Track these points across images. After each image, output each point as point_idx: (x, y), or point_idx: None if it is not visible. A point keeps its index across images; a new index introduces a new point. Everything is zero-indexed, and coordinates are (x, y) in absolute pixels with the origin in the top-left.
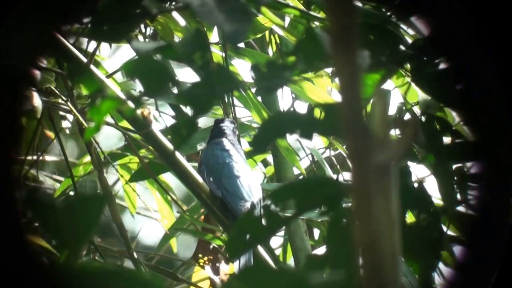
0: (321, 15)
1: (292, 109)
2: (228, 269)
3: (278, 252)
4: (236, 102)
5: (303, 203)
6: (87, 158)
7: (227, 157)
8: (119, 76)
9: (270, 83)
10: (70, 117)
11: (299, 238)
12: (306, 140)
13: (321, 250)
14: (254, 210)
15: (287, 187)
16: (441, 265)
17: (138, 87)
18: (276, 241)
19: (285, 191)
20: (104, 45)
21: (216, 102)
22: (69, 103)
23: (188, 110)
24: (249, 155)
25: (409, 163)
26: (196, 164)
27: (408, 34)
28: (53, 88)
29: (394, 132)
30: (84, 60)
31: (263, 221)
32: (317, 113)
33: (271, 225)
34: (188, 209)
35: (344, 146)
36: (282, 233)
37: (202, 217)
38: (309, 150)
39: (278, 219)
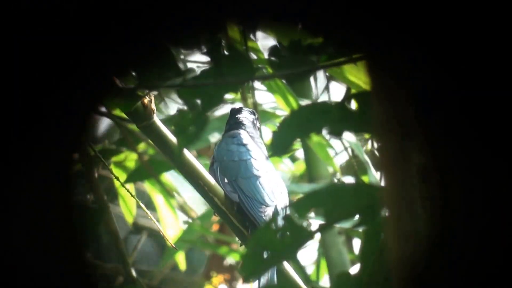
0: None
1: (324, 95)
2: None
3: (311, 269)
4: (257, 84)
5: (333, 214)
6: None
7: (245, 153)
8: None
9: (295, 71)
10: None
11: (335, 252)
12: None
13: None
14: (276, 219)
15: (313, 195)
16: None
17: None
18: (309, 255)
19: (311, 200)
20: None
21: (230, 93)
22: None
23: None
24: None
25: None
26: (207, 162)
27: None
28: None
29: None
30: None
31: (287, 233)
32: (352, 103)
33: (295, 238)
34: (198, 217)
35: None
36: (315, 245)
37: (215, 226)
38: (347, 143)
39: (303, 232)
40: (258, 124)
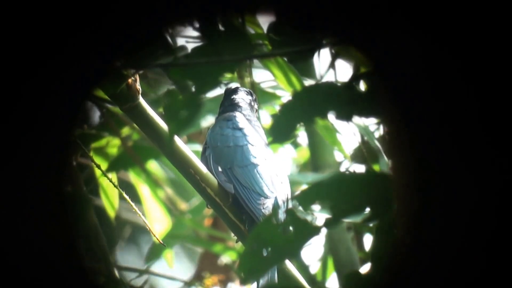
0: None
1: (329, 74)
2: None
3: (316, 267)
4: (255, 61)
5: (342, 207)
6: None
7: (241, 138)
8: None
9: (298, 49)
10: None
11: (344, 249)
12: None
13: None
14: (277, 212)
15: (318, 186)
16: None
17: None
18: (314, 251)
19: (316, 192)
20: None
21: (226, 73)
22: None
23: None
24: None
25: None
26: (199, 148)
27: None
28: None
29: None
30: None
31: (289, 229)
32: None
33: (299, 234)
34: (188, 210)
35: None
36: (321, 241)
37: (208, 220)
38: (356, 127)
39: (307, 227)
40: (256, 106)
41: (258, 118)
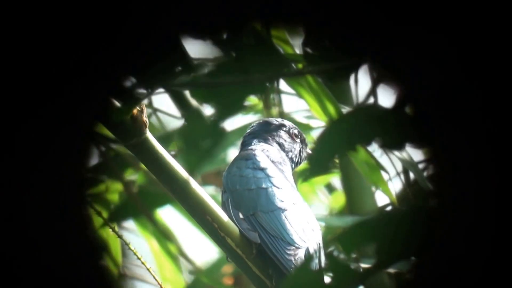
0: None
1: (371, 98)
2: None
3: None
4: (284, 87)
5: (388, 250)
6: None
7: (264, 179)
8: None
9: (337, 66)
10: None
11: None
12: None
13: None
14: (312, 260)
15: (361, 225)
16: None
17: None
18: None
19: (361, 232)
20: None
21: (253, 95)
22: None
23: (207, 108)
24: (304, 176)
25: None
26: (214, 190)
27: None
28: None
29: None
30: None
31: (327, 278)
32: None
33: (341, 283)
34: (205, 267)
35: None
36: None
37: (229, 279)
38: (403, 163)
39: (350, 274)
40: (284, 141)
41: (288, 154)
